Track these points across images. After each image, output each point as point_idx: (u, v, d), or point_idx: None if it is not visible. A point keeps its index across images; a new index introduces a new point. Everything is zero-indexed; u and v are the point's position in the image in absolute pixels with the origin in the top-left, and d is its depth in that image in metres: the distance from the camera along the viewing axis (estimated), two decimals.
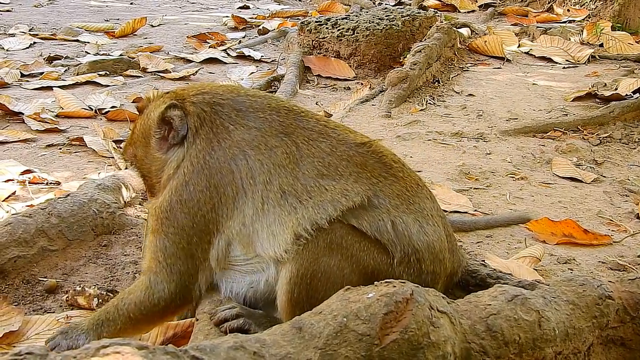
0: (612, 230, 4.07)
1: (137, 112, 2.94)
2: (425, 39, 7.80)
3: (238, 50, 8.77)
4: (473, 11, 11.98)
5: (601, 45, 8.80)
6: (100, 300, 3.09)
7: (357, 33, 7.89)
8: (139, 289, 2.58)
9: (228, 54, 8.64)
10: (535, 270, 3.50)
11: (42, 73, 7.44)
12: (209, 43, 9.34)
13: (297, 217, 2.47)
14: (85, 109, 6.17)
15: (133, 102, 6.32)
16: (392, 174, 2.60)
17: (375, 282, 2.20)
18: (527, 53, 8.67)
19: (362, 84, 7.49)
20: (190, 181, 2.55)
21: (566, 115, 6.24)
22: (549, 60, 8.41)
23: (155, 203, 2.64)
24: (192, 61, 8.29)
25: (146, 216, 2.77)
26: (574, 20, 10.16)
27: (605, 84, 6.94)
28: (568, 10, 10.82)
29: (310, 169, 2.52)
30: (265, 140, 2.56)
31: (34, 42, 9.11)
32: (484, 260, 3.16)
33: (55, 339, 2.58)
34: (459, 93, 7.06)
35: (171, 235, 2.55)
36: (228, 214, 2.54)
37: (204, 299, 2.67)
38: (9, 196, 4.21)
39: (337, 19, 8.32)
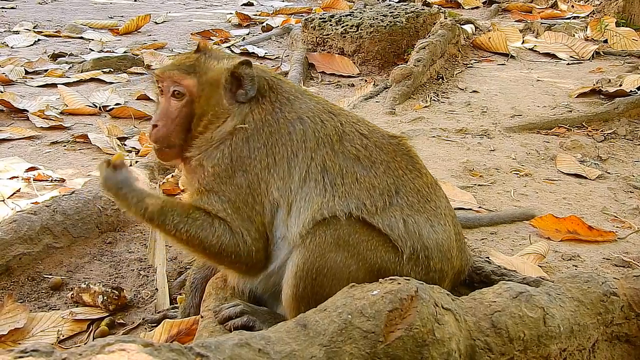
0: (617, 227, 4.06)
1: (196, 50, 2.82)
2: (429, 36, 7.79)
3: (242, 47, 8.77)
4: (477, 8, 11.96)
5: (605, 41, 8.77)
6: (105, 297, 3.09)
7: (361, 30, 7.88)
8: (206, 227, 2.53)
9: (232, 51, 8.64)
10: (540, 267, 3.49)
11: (47, 70, 7.45)
12: (212, 40, 9.33)
13: (322, 201, 2.50)
14: (89, 106, 6.18)
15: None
16: (417, 169, 2.71)
17: (380, 279, 2.21)
18: (531, 49, 8.65)
19: (366, 80, 7.48)
20: (251, 137, 2.60)
21: (570, 111, 6.22)
22: (553, 56, 8.39)
23: (211, 160, 2.58)
24: None
25: (184, 182, 2.71)
26: (578, 17, 10.13)
27: (610, 80, 6.92)
28: (572, 7, 10.81)
29: (350, 148, 2.61)
30: (319, 113, 2.68)
31: (38, 40, 9.13)
32: (488, 257, 3.16)
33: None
34: (463, 90, 7.05)
35: (227, 194, 2.54)
36: (279, 174, 2.56)
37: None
38: (14, 193, 4.22)
39: (341, 16, 8.31)
